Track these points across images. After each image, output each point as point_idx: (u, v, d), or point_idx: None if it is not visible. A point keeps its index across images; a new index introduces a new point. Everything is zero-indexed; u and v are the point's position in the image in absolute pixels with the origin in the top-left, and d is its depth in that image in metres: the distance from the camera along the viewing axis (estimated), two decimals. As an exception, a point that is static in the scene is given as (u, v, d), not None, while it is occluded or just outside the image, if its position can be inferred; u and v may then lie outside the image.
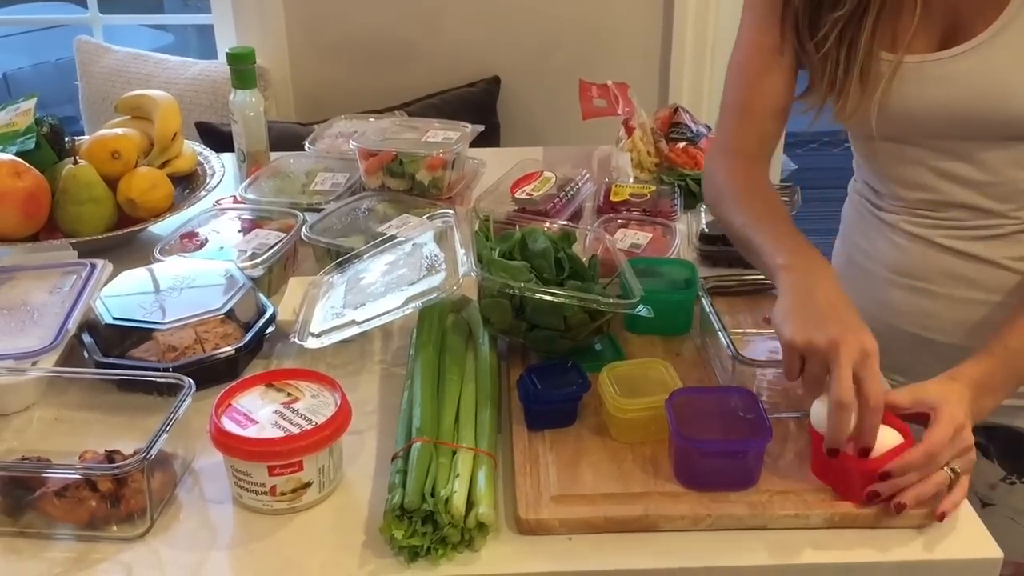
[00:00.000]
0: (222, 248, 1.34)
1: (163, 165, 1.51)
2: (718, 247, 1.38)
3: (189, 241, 1.36)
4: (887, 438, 0.89)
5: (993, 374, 0.96)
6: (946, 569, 0.87)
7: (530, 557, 0.87)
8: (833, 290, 0.98)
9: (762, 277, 1.29)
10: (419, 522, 0.85)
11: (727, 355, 1.02)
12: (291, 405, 0.94)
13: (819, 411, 0.91)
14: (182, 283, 1.19)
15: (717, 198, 1.18)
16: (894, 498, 0.87)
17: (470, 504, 0.87)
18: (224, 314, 1.14)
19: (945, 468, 0.89)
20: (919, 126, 1.10)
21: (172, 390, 0.99)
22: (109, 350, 1.12)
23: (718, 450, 0.92)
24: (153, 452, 0.88)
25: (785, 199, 1.56)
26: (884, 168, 1.19)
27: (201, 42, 3.93)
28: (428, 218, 1.26)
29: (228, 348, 1.09)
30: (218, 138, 2.04)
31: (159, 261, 1.28)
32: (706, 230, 1.40)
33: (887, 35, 1.07)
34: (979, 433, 1.19)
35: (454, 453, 0.92)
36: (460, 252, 1.12)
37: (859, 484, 0.89)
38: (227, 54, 1.63)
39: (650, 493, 0.91)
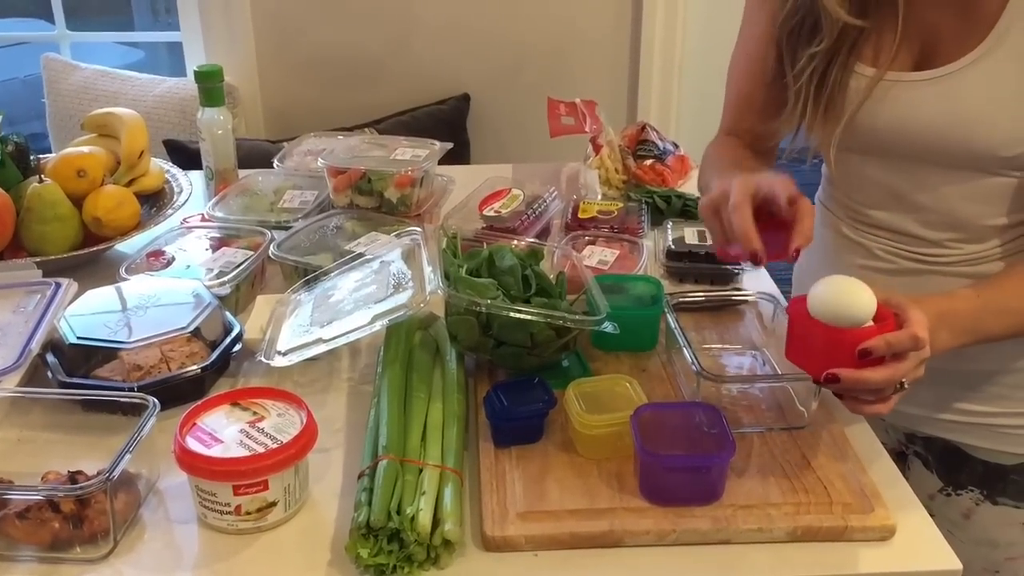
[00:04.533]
0: (189, 266, 1.33)
1: (130, 183, 1.50)
2: (684, 263, 1.40)
3: (156, 259, 1.35)
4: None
5: (958, 314, 0.96)
6: (906, 581, 0.88)
7: (496, 574, 0.87)
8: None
9: (728, 292, 1.31)
10: (385, 540, 0.85)
11: (692, 371, 1.03)
12: (256, 424, 0.94)
13: (815, 291, 0.91)
14: (148, 302, 1.18)
15: (701, 173, 1.22)
16: (850, 392, 0.88)
17: (436, 521, 0.87)
18: (190, 333, 1.14)
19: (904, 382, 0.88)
20: (880, 143, 1.11)
21: (136, 410, 0.99)
22: (73, 370, 1.11)
23: (682, 465, 0.92)
24: (116, 472, 0.87)
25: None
26: (840, 176, 1.21)
27: (172, 59, 3.91)
28: (396, 236, 1.27)
29: (194, 367, 1.09)
30: (186, 156, 2.03)
31: (125, 280, 1.27)
32: (672, 247, 1.41)
33: (866, 52, 1.07)
34: (918, 443, 1.21)
35: (420, 470, 0.93)
36: (427, 269, 1.12)
37: (832, 359, 0.88)
38: (195, 72, 1.63)
39: (615, 509, 0.91)
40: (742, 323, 1.24)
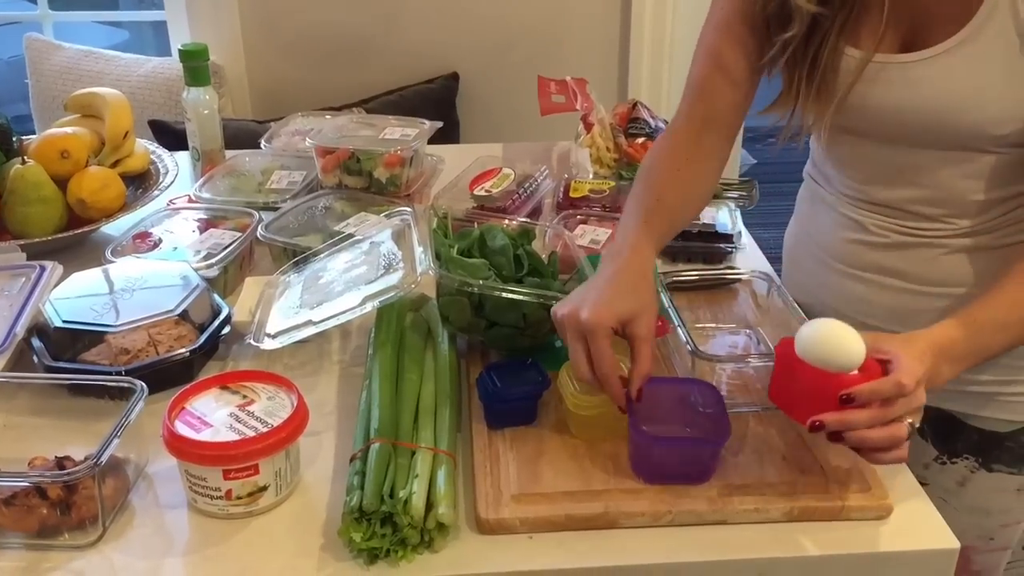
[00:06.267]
0: (176, 248, 1.32)
1: (114, 164, 1.48)
2: (676, 242, 1.37)
3: (142, 242, 1.33)
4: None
5: (956, 343, 0.94)
6: (905, 560, 0.88)
7: (491, 557, 0.86)
8: (625, 271, 0.98)
9: (722, 271, 1.30)
10: (378, 524, 0.85)
11: (686, 350, 1.02)
12: (246, 407, 0.93)
13: (804, 333, 0.89)
14: (135, 284, 1.17)
15: (635, 180, 1.16)
16: (837, 435, 0.86)
17: (429, 505, 0.86)
18: (178, 316, 1.12)
19: (906, 420, 0.86)
20: (872, 124, 1.10)
21: (124, 394, 0.97)
22: (60, 354, 1.10)
23: (675, 446, 0.92)
24: (104, 458, 0.86)
25: (743, 194, 1.57)
26: (832, 154, 1.20)
27: (157, 39, 3.85)
28: (386, 216, 1.25)
29: (183, 350, 1.07)
30: (172, 136, 2.00)
31: (111, 262, 1.25)
32: (665, 225, 1.39)
33: (855, 33, 1.07)
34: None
35: (413, 453, 0.91)
36: (418, 250, 1.11)
37: (815, 404, 0.86)
38: (179, 51, 1.60)
39: (610, 490, 0.91)
40: (736, 302, 1.23)
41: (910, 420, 0.86)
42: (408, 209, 1.25)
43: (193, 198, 1.48)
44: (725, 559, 0.86)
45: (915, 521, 0.90)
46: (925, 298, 1.12)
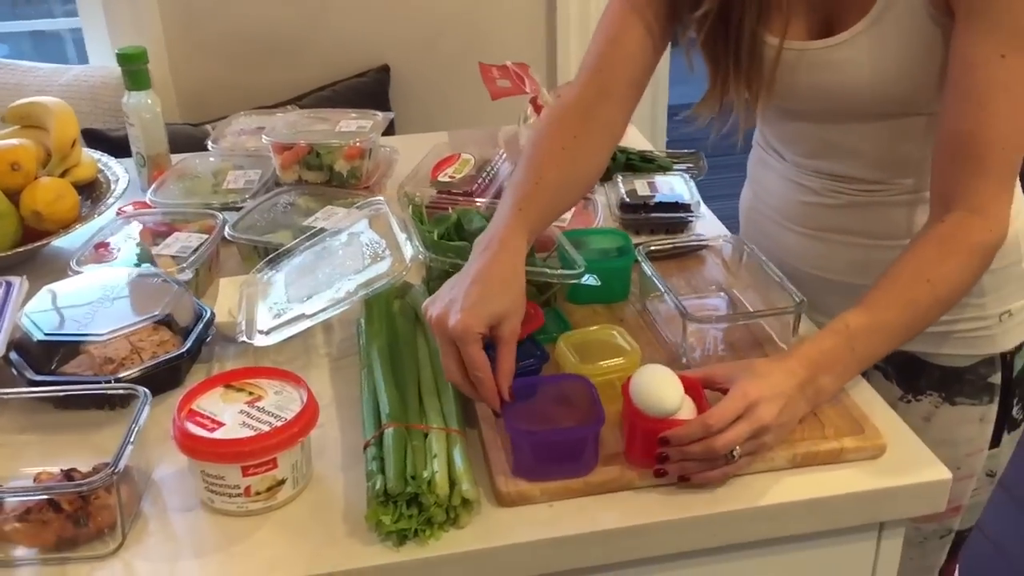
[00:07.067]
0: (140, 253, 1.29)
1: (63, 174, 1.44)
2: (639, 215, 1.42)
3: (105, 251, 1.31)
4: (684, 410, 0.91)
5: (833, 353, 0.97)
6: (903, 494, 0.93)
7: (515, 528, 0.88)
8: (494, 266, 0.97)
9: (694, 239, 1.34)
10: (404, 505, 0.86)
11: (675, 315, 1.06)
12: (255, 404, 0.92)
13: (632, 380, 0.92)
14: (112, 293, 1.14)
15: (522, 153, 1.15)
16: (680, 469, 0.90)
17: (451, 482, 0.87)
18: (161, 321, 1.11)
19: (732, 452, 0.89)
20: (806, 105, 1.17)
21: (123, 402, 0.96)
22: (38, 369, 1.07)
23: (550, 438, 0.91)
24: (121, 465, 0.85)
25: (690, 165, 1.62)
26: (775, 132, 1.26)
27: (38, 49, 3.68)
28: (358, 207, 1.25)
29: (175, 353, 1.06)
30: (107, 144, 1.94)
31: (78, 272, 1.23)
32: (626, 199, 1.43)
33: (775, 22, 1.11)
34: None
35: (426, 435, 0.93)
36: (401, 237, 1.12)
37: (642, 446, 0.91)
38: (117, 55, 1.57)
39: (621, 454, 0.93)
40: (705, 267, 1.27)
41: (735, 451, 0.89)
42: (380, 199, 1.25)
43: (150, 203, 1.45)
44: (739, 508, 0.90)
45: (907, 457, 0.95)
46: (882, 250, 1.18)
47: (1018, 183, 1.16)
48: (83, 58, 2.49)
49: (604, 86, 1.13)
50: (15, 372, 1.06)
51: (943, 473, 0.93)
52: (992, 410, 1.22)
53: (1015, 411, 1.24)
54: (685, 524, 0.89)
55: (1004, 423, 1.24)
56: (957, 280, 1.01)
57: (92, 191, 1.49)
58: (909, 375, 1.23)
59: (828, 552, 0.95)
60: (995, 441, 1.25)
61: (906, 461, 0.95)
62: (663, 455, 0.90)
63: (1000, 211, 1.01)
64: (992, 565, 2.20)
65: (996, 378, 1.21)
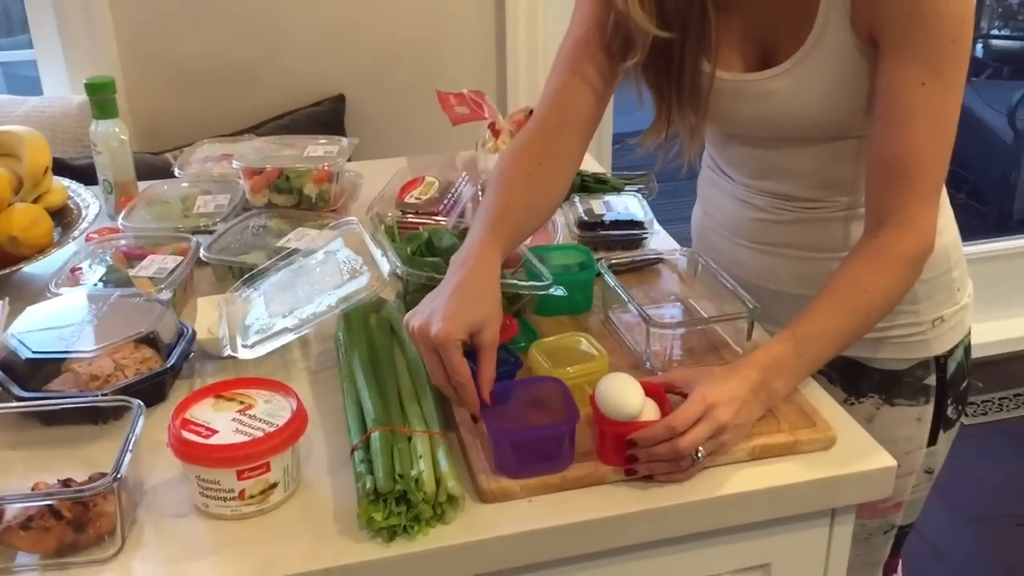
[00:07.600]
0: (117, 275, 1.33)
1: (35, 201, 1.47)
2: (597, 232, 1.49)
3: (80, 274, 1.34)
4: (649, 413, 0.98)
5: (783, 359, 1.05)
6: (853, 481, 1.01)
7: (497, 522, 0.93)
8: (471, 279, 1.03)
9: (648, 254, 1.41)
10: (393, 503, 0.91)
11: (638, 324, 1.13)
12: (247, 412, 0.97)
13: (597, 388, 0.99)
14: (96, 313, 1.18)
15: (490, 178, 1.22)
16: (649, 469, 0.97)
17: (436, 481, 0.93)
18: (145, 338, 1.14)
19: (696, 453, 0.95)
20: (747, 131, 1.26)
21: (115, 415, 1.00)
22: (24, 387, 1.10)
23: (530, 436, 0.97)
24: (122, 472, 0.89)
25: (641, 186, 1.70)
26: (722, 154, 1.35)
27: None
28: (331, 227, 1.31)
29: (161, 367, 1.10)
30: (71, 172, 1.96)
31: (58, 295, 1.26)
32: (584, 218, 1.50)
33: (713, 55, 1.19)
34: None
35: (410, 438, 0.98)
36: (377, 253, 1.17)
37: (612, 448, 0.97)
38: (86, 84, 1.61)
39: (593, 451, 1.00)
40: (662, 279, 1.35)
41: (699, 452, 0.96)
42: (354, 219, 1.31)
43: (121, 228, 1.48)
44: (705, 498, 0.97)
45: (855, 447, 1.03)
46: (822, 262, 1.26)
47: (945, 198, 1.26)
48: (35, 90, 2.50)
49: (562, 119, 1.20)
50: (1, 389, 1.09)
51: (888, 461, 1.01)
52: (928, 410, 1.31)
53: (949, 411, 1.33)
54: (656, 514, 0.96)
55: (940, 422, 1.33)
56: (891, 288, 1.10)
57: (63, 217, 1.52)
58: (852, 378, 1.32)
59: (786, 538, 1.02)
60: (932, 440, 1.33)
61: (854, 452, 1.03)
62: (632, 456, 0.96)
63: (927, 224, 1.11)
64: (933, 569, 2.31)
65: (931, 380, 1.30)
